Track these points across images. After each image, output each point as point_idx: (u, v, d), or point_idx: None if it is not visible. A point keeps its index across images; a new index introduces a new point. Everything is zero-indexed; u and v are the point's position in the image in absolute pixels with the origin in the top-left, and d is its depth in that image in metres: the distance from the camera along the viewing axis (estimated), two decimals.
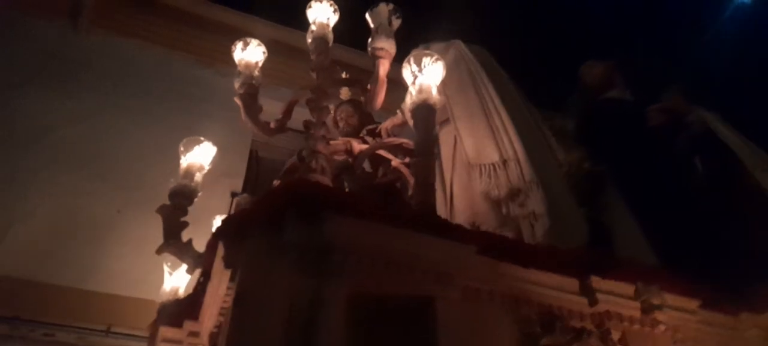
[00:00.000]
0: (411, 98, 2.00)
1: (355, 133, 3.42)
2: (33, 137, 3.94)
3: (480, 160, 2.44)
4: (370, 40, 2.55)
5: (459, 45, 3.12)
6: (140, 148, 4.12)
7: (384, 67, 2.51)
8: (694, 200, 3.06)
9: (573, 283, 1.89)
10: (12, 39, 4.27)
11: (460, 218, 2.38)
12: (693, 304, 2.00)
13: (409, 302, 1.63)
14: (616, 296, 1.89)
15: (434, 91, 2.03)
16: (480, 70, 2.94)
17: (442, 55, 3.14)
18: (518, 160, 2.39)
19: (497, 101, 2.72)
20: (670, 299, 1.95)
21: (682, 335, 1.95)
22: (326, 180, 2.05)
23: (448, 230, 1.72)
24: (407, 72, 2.09)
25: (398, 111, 3.39)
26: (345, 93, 4.13)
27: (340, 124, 3.61)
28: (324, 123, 2.32)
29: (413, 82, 2.07)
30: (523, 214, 2.26)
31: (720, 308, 2.10)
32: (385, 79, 2.57)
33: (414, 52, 2.13)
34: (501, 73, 3.10)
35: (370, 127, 3.21)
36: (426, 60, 2.07)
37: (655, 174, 3.13)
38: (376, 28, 2.58)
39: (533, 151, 2.56)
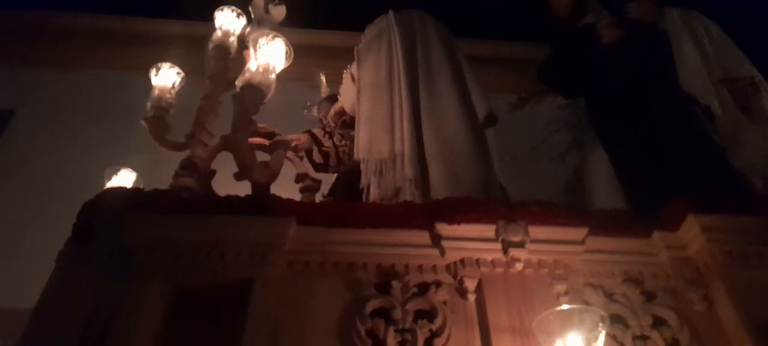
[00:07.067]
0: (242, 77, 2.00)
1: (344, 127, 3.48)
2: None
3: (370, 156, 2.36)
4: (247, 31, 2.57)
5: (389, 16, 3.05)
6: None
7: None
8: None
9: (423, 236, 1.75)
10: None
11: None
12: (577, 234, 1.75)
13: (225, 289, 1.62)
14: (472, 241, 1.72)
15: (271, 73, 2.00)
16: (398, 42, 2.84)
17: (370, 30, 3.11)
18: (403, 157, 2.28)
19: (403, 82, 2.61)
20: (541, 232, 1.72)
21: (564, 271, 1.72)
22: (191, 183, 2.10)
23: (259, 206, 1.69)
24: (250, 54, 2.08)
25: (337, 96, 3.37)
26: (324, 90, 4.22)
27: (323, 121, 3.68)
28: (205, 128, 2.38)
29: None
30: None
31: (626, 233, 1.82)
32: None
33: (253, 33, 2.12)
34: (431, 37, 2.95)
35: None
36: (262, 40, 2.05)
37: (628, 101, 2.76)
38: (257, 20, 2.59)
39: (431, 135, 2.41)
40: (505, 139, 5.11)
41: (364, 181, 2.34)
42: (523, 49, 5.69)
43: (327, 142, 3.29)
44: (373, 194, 2.36)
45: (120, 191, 1.70)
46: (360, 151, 2.44)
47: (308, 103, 4.13)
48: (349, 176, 3.02)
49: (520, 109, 5.34)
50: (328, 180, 3.36)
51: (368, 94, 2.66)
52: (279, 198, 1.74)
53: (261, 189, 1.93)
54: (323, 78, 4.21)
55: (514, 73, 5.36)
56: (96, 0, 6.28)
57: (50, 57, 5.55)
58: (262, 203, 1.70)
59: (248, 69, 2.00)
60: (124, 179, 2.62)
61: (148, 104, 2.69)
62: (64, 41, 5.59)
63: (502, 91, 5.27)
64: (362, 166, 2.47)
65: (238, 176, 1.84)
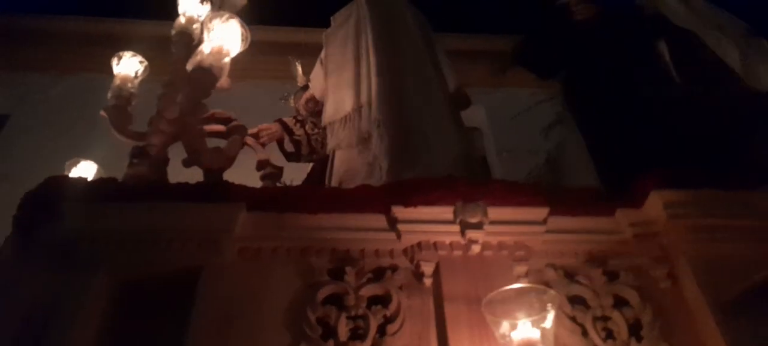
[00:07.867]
0: (193, 59, 1.93)
1: (316, 116, 3.41)
2: None
3: (336, 116, 2.31)
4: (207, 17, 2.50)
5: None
6: None
7: None
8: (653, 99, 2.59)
9: (379, 219, 1.70)
10: None
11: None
12: (537, 214, 1.70)
13: (173, 280, 1.56)
14: (429, 223, 1.66)
15: (224, 57, 1.93)
16: (367, 18, 2.78)
17: (339, 14, 3.04)
18: (370, 103, 2.23)
19: (371, 47, 2.56)
20: (500, 213, 1.67)
21: (526, 252, 1.66)
22: (145, 171, 2.03)
23: (206, 192, 1.62)
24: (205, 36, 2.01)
25: (308, 83, 3.31)
26: (301, 80, 4.15)
27: (301, 110, 3.62)
28: (163, 116, 2.31)
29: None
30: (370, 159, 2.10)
31: (588, 211, 1.77)
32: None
33: (208, 14, 2.05)
34: (406, 15, 2.89)
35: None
36: (216, 22, 1.98)
37: (602, 79, 2.70)
38: (220, 4, 2.51)
39: (401, 88, 2.36)
40: (502, 135, 5.10)
41: (329, 147, 2.29)
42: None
43: (298, 131, 3.23)
44: (331, 144, 2.32)
45: (63, 180, 1.63)
46: (325, 119, 2.39)
47: (285, 94, 4.06)
48: (325, 165, 2.96)
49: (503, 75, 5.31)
50: (301, 169, 3.30)
51: (334, 65, 2.61)
52: (228, 183, 1.68)
53: (213, 176, 1.86)
54: (299, 67, 4.14)
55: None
56: (91, 3, 6.16)
57: (45, 61, 5.48)
58: (210, 189, 1.64)
59: (201, 51, 1.93)
60: (85, 170, 2.55)
61: (109, 94, 2.62)
62: (58, 45, 5.53)
63: (500, 85, 5.24)
64: (328, 133, 2.41)
65: (187, 163, 1.77)
